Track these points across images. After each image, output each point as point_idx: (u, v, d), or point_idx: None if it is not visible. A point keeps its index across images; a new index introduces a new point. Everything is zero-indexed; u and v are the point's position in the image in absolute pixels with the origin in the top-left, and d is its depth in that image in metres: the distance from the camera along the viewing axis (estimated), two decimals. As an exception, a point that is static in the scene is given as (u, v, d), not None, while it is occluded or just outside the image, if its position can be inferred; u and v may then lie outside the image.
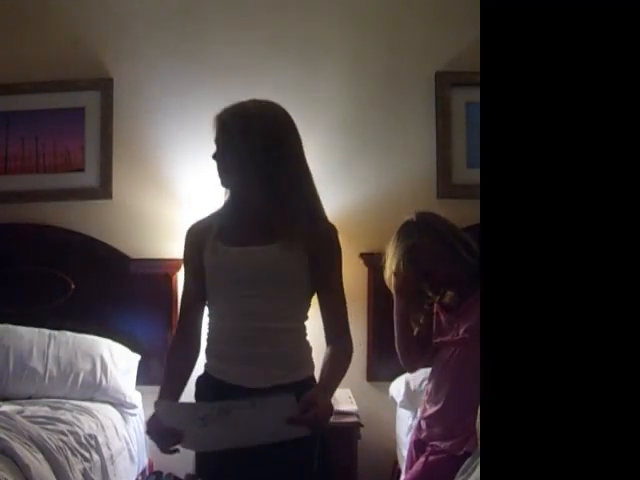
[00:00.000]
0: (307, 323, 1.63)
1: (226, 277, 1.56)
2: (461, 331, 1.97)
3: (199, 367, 1.65)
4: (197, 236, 1.62)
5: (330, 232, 1.61)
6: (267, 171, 1.51)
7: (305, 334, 1.62)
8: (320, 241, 1.57)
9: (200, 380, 1.62)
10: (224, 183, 1.59)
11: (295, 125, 1.58)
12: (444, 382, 2.00)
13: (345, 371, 1.57)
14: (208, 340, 1.62)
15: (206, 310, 1.65)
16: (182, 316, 1.67)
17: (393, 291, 2.07)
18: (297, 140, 1.58)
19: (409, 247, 2.00)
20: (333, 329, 1.60)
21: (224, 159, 1.55)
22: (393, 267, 2.03)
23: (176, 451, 1.46)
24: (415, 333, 2.10)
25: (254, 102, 1.57)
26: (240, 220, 1.59)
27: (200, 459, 1.64)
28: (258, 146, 1.50)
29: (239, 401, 1.41)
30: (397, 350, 2.10)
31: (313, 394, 1.42)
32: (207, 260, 1.58)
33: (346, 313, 1.62)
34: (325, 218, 1.62)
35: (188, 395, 1.63)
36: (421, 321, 2.10)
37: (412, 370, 2.22)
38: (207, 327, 1.63)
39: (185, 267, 1.67)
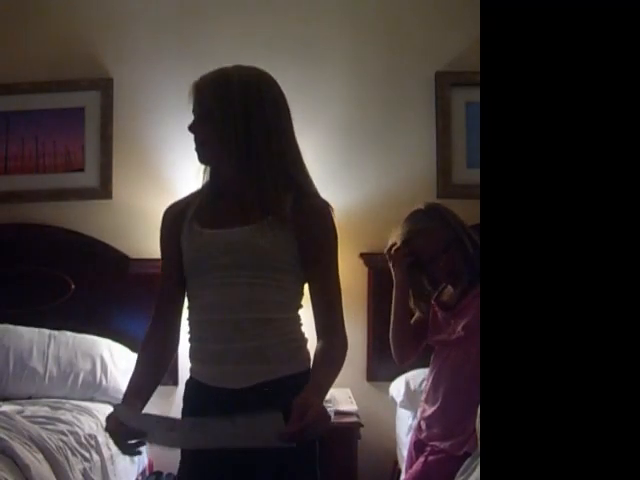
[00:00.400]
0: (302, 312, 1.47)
1: (203, 263, 1.40)
2: (458, 329, 1.96)
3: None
4: (173, 219, 1.48)
5: (321, 209, 1.41)
6: (246, 143, 1.35)
7: (298, 324, 1.45)
8: (309, 219, 1.38)
9: (186, 385, 1.49)
10: (201, 158, 1.43)
11: (283, 94, 1.42)
12: (441, 382, 2.00)
13: (339, 369, 1.38)
14: (189, 339, 1.46)
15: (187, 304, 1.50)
16: (156, 308, 1.49)
17: (392, 266, 2.05)
18: (283, 110, 1.41)
19: (413, 231, 1.99)
20: (325, 322, 1.40)
21: (201, 130, 1.39)
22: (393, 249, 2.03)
23: (139, 453, 1.31)
24: (412, 321, 2.10)
25: (237, 67, 1.41)
26: (219, 199, 1.44)
27: (183, 463, 1.48)
28: (237, 115, 1.34)
29: (216, 418, 1.25)
30: (391, 337, 2.08)
31: (305, 397, 1.23)
32: (183, 244, 1.44)
33: (340, 304, 1.42)
34: (316, 194, 1.44)
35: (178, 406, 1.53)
36: (418, 312, 2.10)
37: (402, 362, 2.18)
38: (187, 324, 1.47)
39: (161, 253, 1.51)
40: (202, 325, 1.42)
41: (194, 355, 1.46)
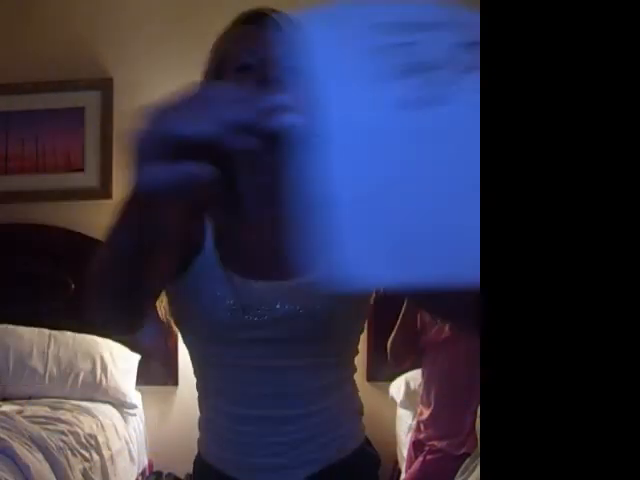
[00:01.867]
0: None
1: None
2: (446, 328, 1.95)
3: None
4: None
5: None
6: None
7: (353, 381, 1.16)
8: None
9: (195, 467, 1.05)
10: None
11: None
12: (432, 386, 2.00)
13: None
14: (200, 397, 1.02)
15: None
16: None
17: None
18: None
19: None
20: None
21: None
22: None
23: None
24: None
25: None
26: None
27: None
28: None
29: None
30: (392, 342, 2.07)
31: None
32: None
33: None
34: None
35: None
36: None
37: (399, 365, 2.18)
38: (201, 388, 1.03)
39: None
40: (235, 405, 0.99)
41: (210, 429, 1.01)
